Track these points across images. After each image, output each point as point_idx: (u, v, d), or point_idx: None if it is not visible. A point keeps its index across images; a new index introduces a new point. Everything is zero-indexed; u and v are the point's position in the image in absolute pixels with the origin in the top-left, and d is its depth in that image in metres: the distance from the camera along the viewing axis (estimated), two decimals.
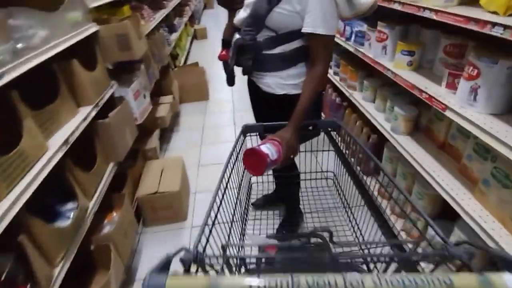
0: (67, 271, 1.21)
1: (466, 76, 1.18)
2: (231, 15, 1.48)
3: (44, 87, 1.38)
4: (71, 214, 1.31)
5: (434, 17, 1.27)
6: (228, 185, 1.10)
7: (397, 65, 1.67)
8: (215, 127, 3.51)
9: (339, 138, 2.50)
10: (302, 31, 1.25)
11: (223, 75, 1.62)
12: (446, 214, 1.59)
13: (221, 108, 3.92)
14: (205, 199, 2.41)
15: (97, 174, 1.61)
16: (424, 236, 0.86)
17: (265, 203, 2.15)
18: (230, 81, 1.52)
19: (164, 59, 3.19)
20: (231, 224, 1.15)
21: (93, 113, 1.58)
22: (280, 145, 1.14)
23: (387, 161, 1.91)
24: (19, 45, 1.14)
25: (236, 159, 1.25)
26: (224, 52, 1.60)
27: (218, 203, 0.98)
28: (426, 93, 1.39)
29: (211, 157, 2.94)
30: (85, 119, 1.50)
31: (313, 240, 1.81)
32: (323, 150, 1.55)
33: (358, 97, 2.28)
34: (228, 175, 1.14)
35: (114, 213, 1.79)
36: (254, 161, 1.07)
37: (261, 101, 1.55)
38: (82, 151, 1.59)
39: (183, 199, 2.18)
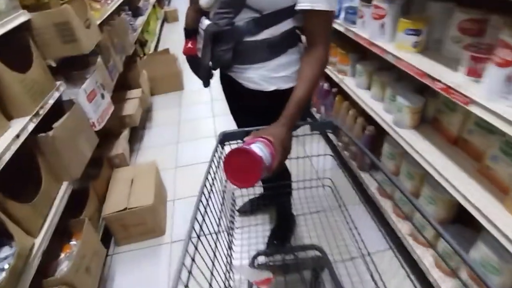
0: None
1: (499, 62, 0.93)
2: None
3: None
4: (6, 265, 1.02)
5: None
6: (207, 208, 0.83)
7: (400, 46, 1.40)
8: (192, 120, 3.19)
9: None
10: (297, 8, 0.96)
11: None
12: (461, 219, 1.39)
13: (197, 98, 3.58)
14: (185, 208, 2.14)
15: (44, 201, 1.30)
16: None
17: (252, 208, 1.91)
18: (206, 81, 1.21)
19: (128, 48, 2.81)
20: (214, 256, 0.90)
21: (31, 126, 1.26)
22: (272, 146, 0.82)
23: (388, 157, 1.68)
24: None
25: (215, 174, 0.98)
26: (190, 45, 1.23)
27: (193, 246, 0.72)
28: (441, 82, 1.14)
29: (190, 156, 2.63)
30: (18, 135, 1.18)
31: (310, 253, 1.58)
32: (318, 155, 1.30)
33: (350, 83, 2.02)
34: (206, 198, 0.87)
35: (73, 241, 1.50)
36: (242, 168, 0.75)
37: (241, 101, 1.26)
38: (23, 175, 1.28)
39: (158, 212, 1.90)
